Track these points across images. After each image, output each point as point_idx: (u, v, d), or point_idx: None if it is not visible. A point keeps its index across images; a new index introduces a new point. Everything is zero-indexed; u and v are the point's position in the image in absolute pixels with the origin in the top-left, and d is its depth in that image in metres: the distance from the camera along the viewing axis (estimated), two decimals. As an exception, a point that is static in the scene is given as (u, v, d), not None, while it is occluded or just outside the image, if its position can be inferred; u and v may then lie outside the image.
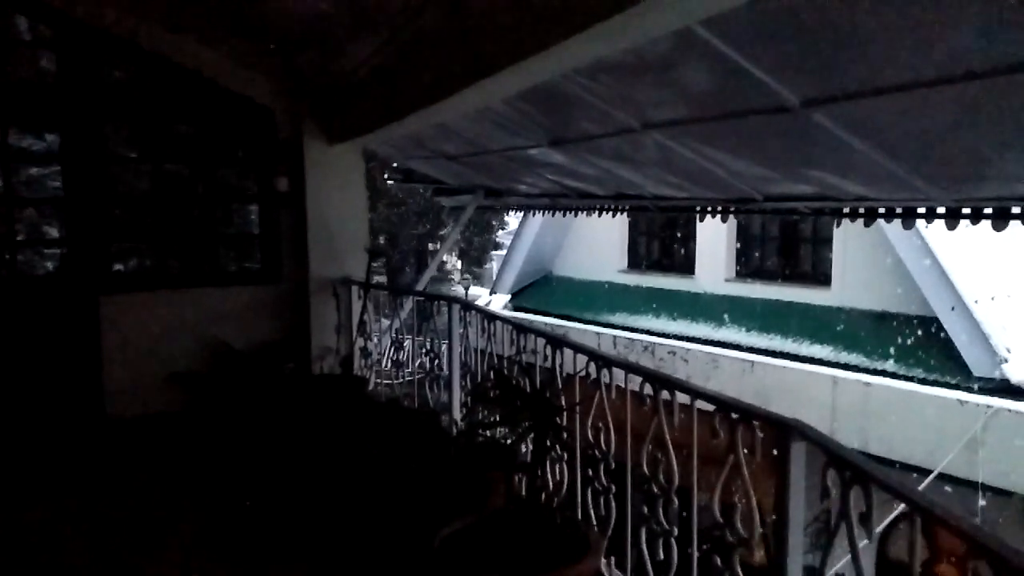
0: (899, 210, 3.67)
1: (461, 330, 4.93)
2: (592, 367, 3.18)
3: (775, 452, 2.25)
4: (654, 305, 10.62)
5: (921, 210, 3.57)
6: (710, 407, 2.47)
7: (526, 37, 3.17)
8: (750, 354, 8.23)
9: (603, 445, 3.14)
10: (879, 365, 7.47)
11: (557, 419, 2.99)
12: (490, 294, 14.25)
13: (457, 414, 5.05)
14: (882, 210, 3.71)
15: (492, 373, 4.02)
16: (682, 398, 2.67)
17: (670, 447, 2.72)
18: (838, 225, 4.05)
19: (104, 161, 5.86)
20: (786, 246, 9.87)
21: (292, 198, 6.27)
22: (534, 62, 3.13)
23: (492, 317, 4.37)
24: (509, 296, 13.51)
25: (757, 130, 3.09)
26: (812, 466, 2.13)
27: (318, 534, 3.88)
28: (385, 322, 6.38)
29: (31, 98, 5.80)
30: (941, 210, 3.47)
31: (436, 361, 5.34)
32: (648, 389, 2.80)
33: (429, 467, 3.76)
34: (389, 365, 6.15)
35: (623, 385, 3.11)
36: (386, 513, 3.99)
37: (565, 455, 3.48)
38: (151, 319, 5.96)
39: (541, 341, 3.68)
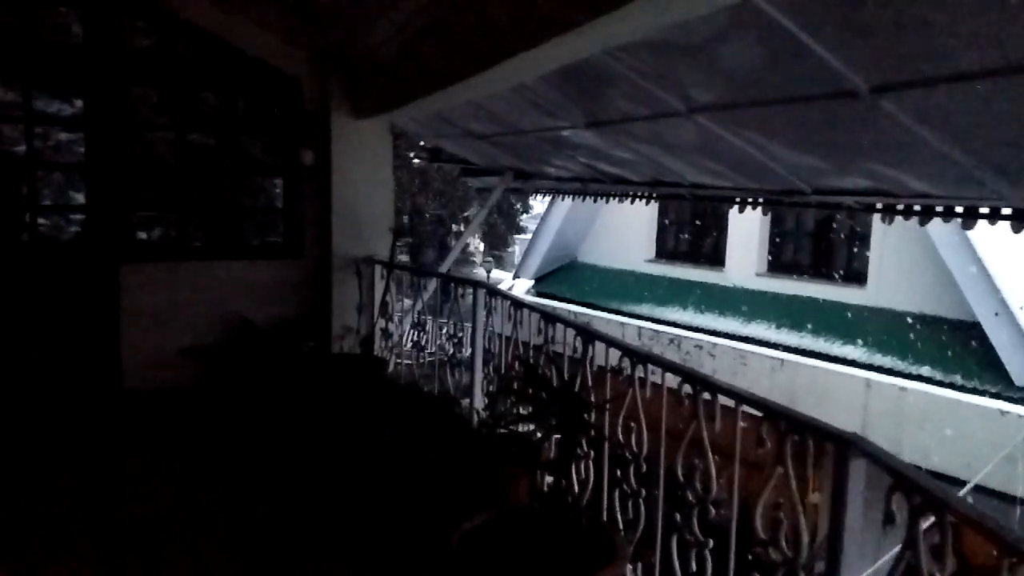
0: (960, 209, 3.43)
1: (485, 315, 4.76)
2: (626, 363, 3.01)
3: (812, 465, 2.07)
4: (681, 297, 10.38)
5: (984, 210, 3.33)
6: (755, 412, 2.30)
7: (565, 10, 2.98)
8: (780, 351, 7.99)
9: (634, 445, 2.96)
10: (915, 369, 7.20)
11: (586, 415, 2.82)
12: (513, 278, 14.07)
13: (478, 402, 4.89)
14: (940, 208, 3.48)
15: (519, 364, 3.85)
16: (724, 400, 2.49)
17: (709, 453, 2.54)
18: (889, 222, 3.82)
19: (129, 127, 5.74)
20: (821, 242, 9.57)
21: (317, 172, 6.13)
22: (572, 37, 2.93)
23: (520, 304, 4.19)
24: (532, 281, 13.32)
25: (817, 117, 2.87)
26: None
27: (329, 519, 3.75)
28: (407, 303, 6.22)
29: (57, 61, 5.69)
30: (1007, 211, 3.23)
31: (458, 346, 5.19)
32: (687, 389, 2.62)
33: (448, 457, 3.61)
34: (409, 347, 6.03)
35: (659, 382, 2.93)
36: (401, 503, 3.86)
37: (592, 452, 3.31)
38: (171, 290, 5.87)
39: (571, 332, 3.50)
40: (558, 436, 2.98)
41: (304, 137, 6.08)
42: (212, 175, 6.24)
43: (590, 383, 3.15)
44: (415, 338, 6.05)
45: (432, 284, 6.36)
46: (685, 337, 8.91)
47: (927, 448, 6.31)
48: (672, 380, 2.77)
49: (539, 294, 12.69)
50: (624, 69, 3.25)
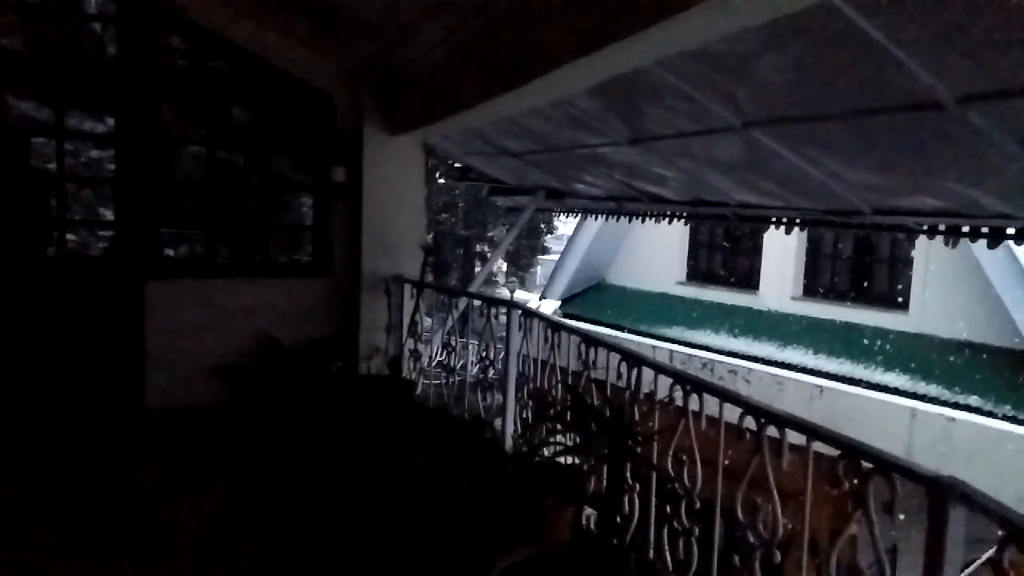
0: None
1: (520, 337, 4.59)
2: (678, 391, 2.82)
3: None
4: (713, 320, 10.12)
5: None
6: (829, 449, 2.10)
7: (611, 20, 2.83)
8: (819, 378, 7.72)
9: (686, 480, 2.76)
10: (961, 399, 6.90)
11: (637, 447, 2.64)
12: (540, 299, 13.89)
13: (510, 427, 4.71)
14: (1011, 231, 3.26)
15: (558, 389, 3.67)
16: (794, 436, 2.29)
17: (775, 492, 2.34)
18: (953, 245, 3.61)
19: (159, 143, 5.69)
20: (859, 265, 9.28)
21: (348, 190, 6.02)
22: (621, 48, 2.78)
23: (557, 326, 4.02)
24: (559, 302, 13.13)
25: (892, 131, 2.68)
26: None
27: (361, 547, 3.58)
28: (427, 321, 6.07)
29: (90, 77, 5.66)
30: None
31: (490, 369, 5.02)
32: (750, 422, 2.43)
33: (483, 486, 3.42)
34: (439, 368, 5.87)
35: (712, 411, 2.74)
36: (434, 532, 3.67)
37: (637, 486, 3.11)
38: (197, 308, 5.76)
39: (615, 357, 3.32)
40: (607, 469, 2.79)
41: (335, 153, 5.98)
42: (241, 192, 6.16)
43: (636, 414, 2.96)
44: (444, 359, 5.90)
45: (462, 304, 6.20)
46: (719, 362, 8.66)
47: (977, 483, 5.99)
48: (729, 409, 2.59)
49: (566, 315, 12.47)
50: (676, 80, 3.09)
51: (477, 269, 27.82)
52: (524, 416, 4.54)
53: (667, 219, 5.93)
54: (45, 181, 5.75)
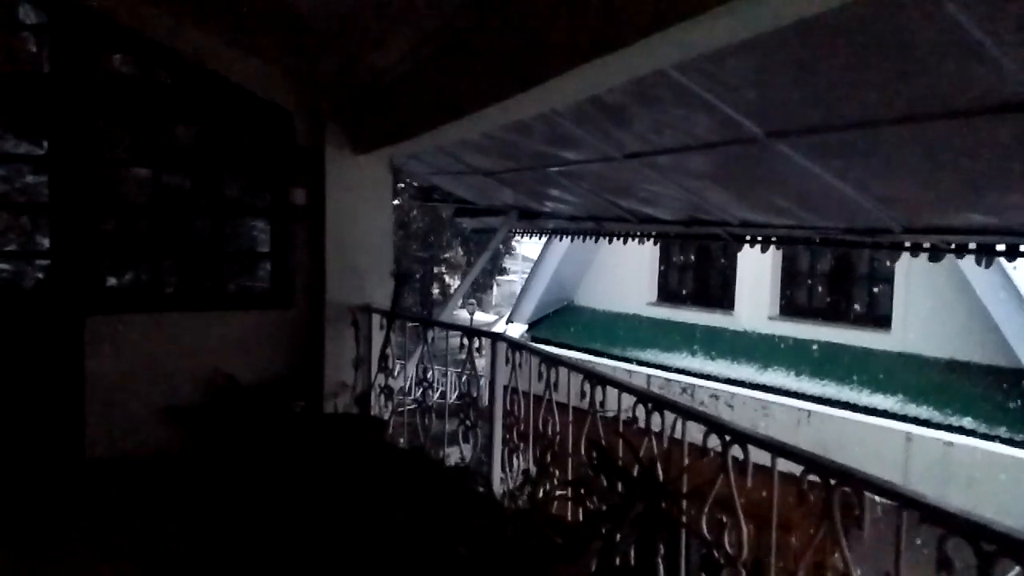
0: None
1: (508, 371, 4.17)
2: (714, 440, 2.43)
3: None
4: (688, 342, 9.81)
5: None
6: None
7: (607, 29, 2.48)
8: (805, 402, 7.44)
9: (728, 545, 2.37)
10: (955, 421, 6.67)
11: (678, 514, 2.23)
12: (507, 322, 13.48)
13: (497, 471, 4.28)
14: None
15: (585, 444, 3.25)
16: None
17: (849, 564, 1.96)
18: (987, 266, 3.32)
19: (97, 164, 5.15)
20: (838, 283, 9.07)
21: (309, 213, 5.55)
22: (628, 55, 2.43)
23: (554, 361, 3.61)
24: (527, 326, 12.73)
25: (960, 138, 2.35)
26: None
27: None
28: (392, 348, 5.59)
29: (18, 91, 5.11)
30: None
31: (471, 409, 4.58)
32: (813, 478, 2.05)
33: (481, 553, 2.98)
34: (411, 403, 5.43)
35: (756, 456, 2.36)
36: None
37: (662, 548, 2.70)
38: (144, 345, 5.22)
39: (628, 399, 2.92)
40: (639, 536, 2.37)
41: (295, 174, 5.51)
42: (191, 216, 5.63)
43: (669, 468, 2.55)
44: (419, 396, 5.44)
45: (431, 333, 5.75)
46: (699, 386, 8.35)
47: (981, 509, 5.73)
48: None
49: (534, 339, 12.07)
50: (690, 84, 2.73)
51: (435, 292, 27.37)
52: (510, 459, 4.13)
53: (652, 239, 5.59)
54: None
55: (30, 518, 4.20)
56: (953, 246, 3.29)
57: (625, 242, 6.05)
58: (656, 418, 2.75)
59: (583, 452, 3.24)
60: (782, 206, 3.70)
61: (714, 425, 2.42)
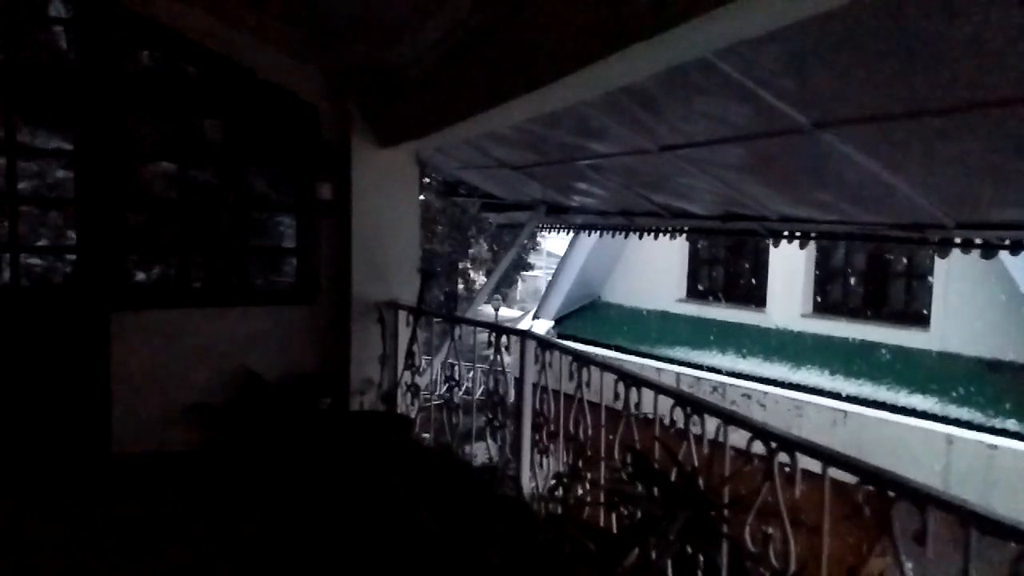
0: None
1: (537, 370, 4.06)
2: (758, 445, 2.30)
3: None
4: (719, 340, 9.62)
5: None
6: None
7: (646, 14, 2.35)
8: (841, 402, 7.24)
9: (774, 559, 2.24)
10: (998, 423, 6.44)
11: (723, 524, 2.11)
12: (533, 319, 13.36)
13: (526, 473, 4.17)
14: None
15: (619, 449, 3.13)
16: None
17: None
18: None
19: (124, 158, 5.11)
20: (874, 279, 8.82)
21: (335, 208, 5.47)
22: (661, 42, 2.31)
23: (585, 361, 3.50)
24: (553, 322, 12.60)
25: (1021, 128, 2.19)
26: None
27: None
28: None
29: (45, 85, 5.09)
30: None
31: (498, 408, 4.48)
32: (868, 489, 1.91)
33: (513, 558, 2.87)
34: (437, 399, 5.34)
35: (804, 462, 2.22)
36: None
37: (701, 558, 2.58)
38: (169, 341, 5.18)
39: (666, 401, 2.79)
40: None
41: (321, 168, 5.44)
42: (217, 211, 5.59)
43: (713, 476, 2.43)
44: (446, 394, 5.35)
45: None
46: (730, 385, 8.17)
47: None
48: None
49: (560, 335, 11.94)
50: (735, 73, 2.59)
51: (460, 287, 27.32)
52: (540, 461, 4.02)
53: (685, 234, 5.44)
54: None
55: (57, 513, 4.18)
56: (1008, 242, 3.12)
57: (656, 237, 5.90)
58: (695, 421, 2.64)
59: (616, 455, 3.12)
60: (825, 200, 3.55)
61: (759, 431, 2.29)
